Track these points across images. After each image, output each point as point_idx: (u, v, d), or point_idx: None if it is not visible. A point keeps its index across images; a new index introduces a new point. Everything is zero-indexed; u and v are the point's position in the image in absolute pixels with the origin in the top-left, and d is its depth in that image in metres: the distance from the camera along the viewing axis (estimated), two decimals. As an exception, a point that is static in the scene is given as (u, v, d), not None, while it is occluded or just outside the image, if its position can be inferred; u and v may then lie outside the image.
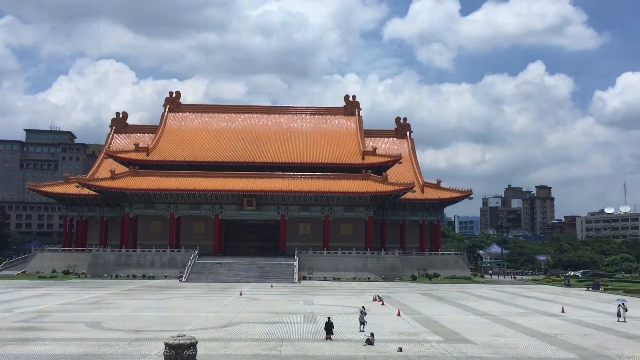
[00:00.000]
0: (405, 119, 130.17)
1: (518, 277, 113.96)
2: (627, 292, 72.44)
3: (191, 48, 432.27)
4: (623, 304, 42.22)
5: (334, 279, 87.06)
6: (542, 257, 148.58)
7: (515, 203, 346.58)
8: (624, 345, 30.42)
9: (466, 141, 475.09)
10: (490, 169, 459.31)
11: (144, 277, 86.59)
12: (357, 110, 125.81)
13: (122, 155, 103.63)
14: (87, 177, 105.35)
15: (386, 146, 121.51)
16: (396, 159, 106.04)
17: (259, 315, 41.28)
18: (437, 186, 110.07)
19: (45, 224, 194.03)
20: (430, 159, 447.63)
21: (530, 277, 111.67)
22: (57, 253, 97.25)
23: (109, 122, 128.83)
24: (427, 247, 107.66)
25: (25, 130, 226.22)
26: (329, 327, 31.05)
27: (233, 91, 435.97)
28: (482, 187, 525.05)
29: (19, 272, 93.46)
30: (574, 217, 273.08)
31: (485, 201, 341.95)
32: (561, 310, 47.04)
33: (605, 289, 76.89)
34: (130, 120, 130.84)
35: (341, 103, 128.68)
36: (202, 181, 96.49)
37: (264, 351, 27.18)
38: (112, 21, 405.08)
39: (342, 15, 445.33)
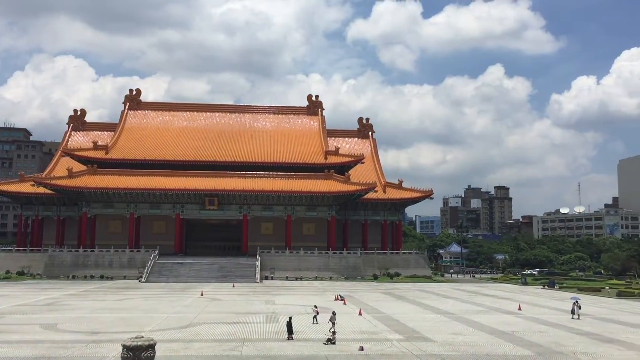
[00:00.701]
0: (367, 119, 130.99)
1: (477, 275, 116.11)
2: (581, 290, 74.64)
3: (153, 45, 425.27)
4: (577, 301, 43.53)
5: (296, 279, 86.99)
6: (500, 256, 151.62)
7: (475, 203, 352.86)
8: (578, 341, 31.32)
9: (428, 142, 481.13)
10: (450, 170, 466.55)
11: (102, 277, 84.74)
12: (320, 110, 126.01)
13: (80, 153, 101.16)
14: (44, 175, 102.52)
15: (349, 146, 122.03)
16: (358, 159, 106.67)
17: (220, 316, 40.93)
18: (398, 186, 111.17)
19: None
20: (392, 159, 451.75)
21: (489, 276, 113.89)
22: (11, 253, 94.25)
23: (67, 119, 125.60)
24: (389, 246, 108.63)
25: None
26: (290, 326, 31.02)
27: (195, 89, 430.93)
28: (442, 187, 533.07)
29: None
30: (530, 217, 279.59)
31: (445, 201, 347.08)
32: (518, 308, 48.14)
33: (560, 287, 79.05)
34: (89, 118, 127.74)
35: (304, 103, 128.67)
36: (163, 180, 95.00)
37: (225, 352, 26.96)
38: (72, 17, 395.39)
39: (306, 16, 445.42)
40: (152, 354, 18.58)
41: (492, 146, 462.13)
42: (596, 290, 72.31)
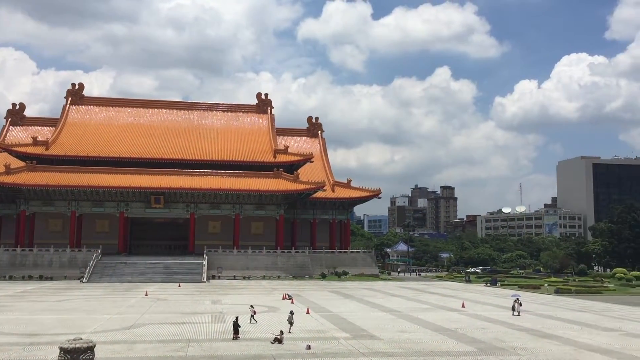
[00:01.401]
0: (317, 118, 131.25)
1: (423, 274, 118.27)
2: (521, 287, 77.07)
3: (98, 39, 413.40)
4: (518, 299, 44.95)
5: (244, 278, 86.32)
6: (445, 255, 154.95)
7: (421, 202, 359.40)
8: (518, 337, 32.30)
9: (376, 142, 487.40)
10: (398, 169, 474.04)
11: (41, 278, 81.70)
12: (269, 108, 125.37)
13: (18, 148, 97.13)
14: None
15: (298, 145, 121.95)
16: (307, 158, 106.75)
17: (166, 316, 40.16)
18: (347, 185, 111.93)
19: None
20: (341, 159, 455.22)
21: (434, 274, 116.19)
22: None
23: (4, 113, 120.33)
24: (337, 245, 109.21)
25: None
26: (236, 326, 30.73)
27: (142, 85, 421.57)
28: (390, 186, 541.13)
29: None
30: (474, 217, 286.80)
31: (393, 200, 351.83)
32: (461, 305, 49.26)
33: (502, 285, 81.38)
34: (28, 112, 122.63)
35: (254, 101, 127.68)
36: (107, 177, 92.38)
37: (169, 352, 26.45)
38: (12, 8, 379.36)
39: (256, 13, 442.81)
40: (91, 357, 17.99)
41: (439, 146, 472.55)
42: (536, 288, 74.80)
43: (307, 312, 42.19)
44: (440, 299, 56.37)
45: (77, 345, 17.84)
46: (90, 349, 18.18)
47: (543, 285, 75.48)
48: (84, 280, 77.96)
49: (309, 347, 27.62)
